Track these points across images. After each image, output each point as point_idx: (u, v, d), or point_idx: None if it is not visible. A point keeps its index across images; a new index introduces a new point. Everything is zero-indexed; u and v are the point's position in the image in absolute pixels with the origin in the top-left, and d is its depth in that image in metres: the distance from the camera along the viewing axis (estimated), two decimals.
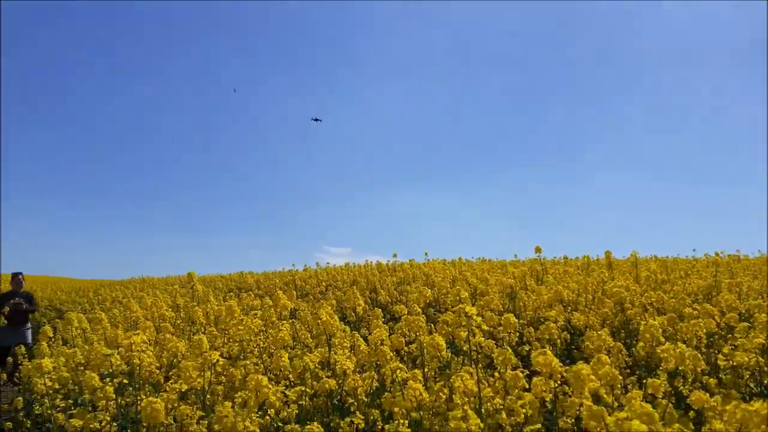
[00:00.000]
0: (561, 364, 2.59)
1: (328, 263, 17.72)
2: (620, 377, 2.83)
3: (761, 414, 1.46)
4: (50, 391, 3.53)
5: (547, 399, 3.07)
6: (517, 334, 5.57)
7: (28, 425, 6.14)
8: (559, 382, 2.84)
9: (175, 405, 2.64)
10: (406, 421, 2.33)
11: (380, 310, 5.28)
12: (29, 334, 10.74)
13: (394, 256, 14.89)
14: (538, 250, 8.59)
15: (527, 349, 5.31)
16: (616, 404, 2.89)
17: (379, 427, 3.61)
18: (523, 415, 2.87)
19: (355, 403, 3.87)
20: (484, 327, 2.58)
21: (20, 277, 11.04)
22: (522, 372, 3.25)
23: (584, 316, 5.71)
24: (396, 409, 2.70)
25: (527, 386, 3.18)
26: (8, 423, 6.65)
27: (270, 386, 2.35)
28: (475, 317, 2.53)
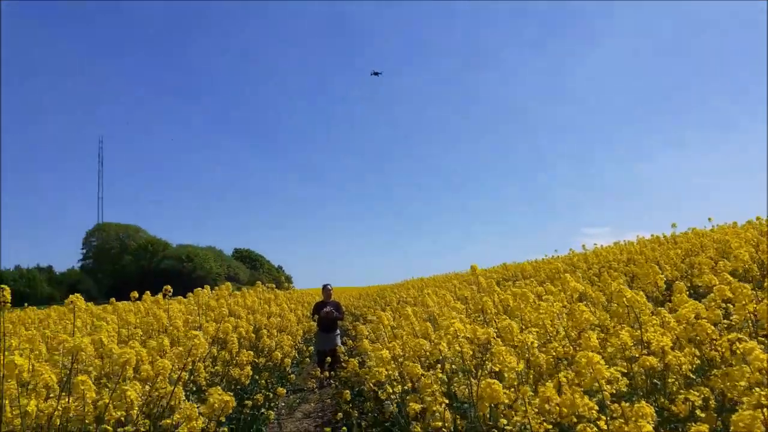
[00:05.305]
0: None
1: (596, 244, 16.84)
2: None
3: None
4: (390, 379, 4.05)
5: None
6: None
7: (356, 414, 7.09)
8: None
9: (515, 384, 2.81)
10: (765, 391, 2.10)
11: (681, 283, 4.85)
12: (339, 339, 12.15)
13: (673, 226, 13.35)
14: None
15: None
16: None
17: (712, 404, 3.32)
18: None
19: (677, 381, 3.62)
20: None
21: (329, 287, 12.54)
22: None
23: None
24: (742, 383, 2.46)
25: None
26: (339, 414, 7.77)
27: (602, 362, 2.35)
28: None
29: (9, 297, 2.67)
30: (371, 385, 6.18)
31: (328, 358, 11.68)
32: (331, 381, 10.45)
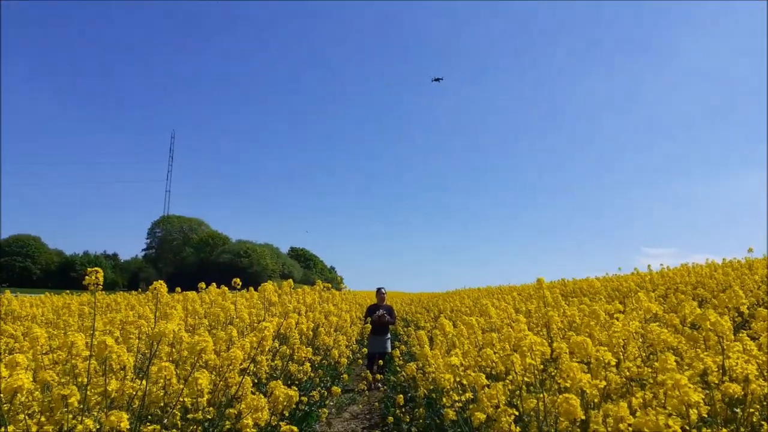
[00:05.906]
0: None
1: (662, 265, 16.17)
2: None
3: None
4: (455, 386, 4.01)
5: None
6: None
7: (407, 420, 7.06)
8: None
9: (595, 401, 2.73)
10: None
11: (765, 310, 4.59)
12: (389, 343, 12.11)
13: (749, 251, 12.82)
14: None
15: None
16: None
17: None
18: None
19: (757, 412, 3.43)
20: None
21: (383, 291, 12.59)
22: None
23: None
24: None
25: None
26: (389, 418, 7.76)
27: (690, 385, 2.24)
28: None
29: (102, 279, 2.79)
30: (425, 391, 6.13)
31: (380, 361, 11.68)
32: (380, 384, 10.41)
